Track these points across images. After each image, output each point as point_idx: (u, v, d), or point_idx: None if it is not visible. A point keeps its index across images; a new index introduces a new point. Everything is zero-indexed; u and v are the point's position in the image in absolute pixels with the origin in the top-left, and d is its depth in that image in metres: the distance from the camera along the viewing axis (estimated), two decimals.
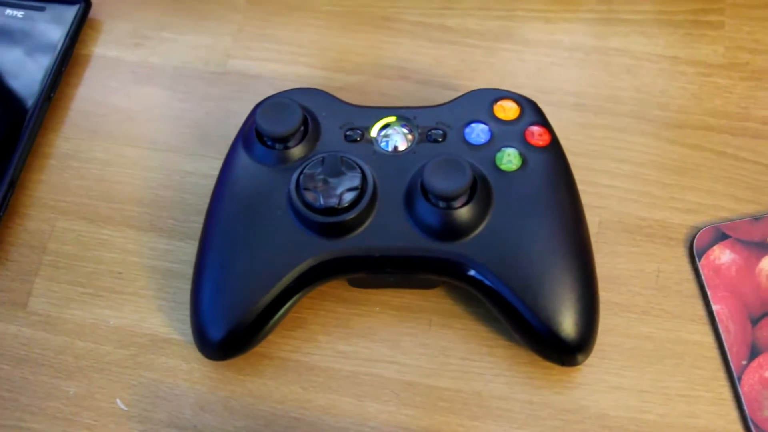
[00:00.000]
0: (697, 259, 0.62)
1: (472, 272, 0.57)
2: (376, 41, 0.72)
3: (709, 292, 0.61)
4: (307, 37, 0.72)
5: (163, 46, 0.72)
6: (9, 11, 0.72)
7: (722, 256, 0.62)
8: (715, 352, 0.60)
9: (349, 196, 0.57)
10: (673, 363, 0.60)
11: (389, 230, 0.58)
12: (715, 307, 0.61)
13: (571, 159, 0.61)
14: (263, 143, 0.60)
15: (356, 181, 0.57)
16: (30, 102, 0.68)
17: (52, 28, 0.71)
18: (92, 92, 0.71)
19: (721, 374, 0.60)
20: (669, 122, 0.67)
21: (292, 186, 0.58)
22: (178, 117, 0.69)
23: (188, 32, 0.73)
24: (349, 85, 0.69)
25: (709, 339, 0.61)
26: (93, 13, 0.73)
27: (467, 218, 0.57)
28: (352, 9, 0.73)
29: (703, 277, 0.61)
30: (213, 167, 0.66)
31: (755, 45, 0.70)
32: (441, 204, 0.56)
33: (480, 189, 0.57)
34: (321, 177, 0.57)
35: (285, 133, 0.59)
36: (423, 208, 0.57)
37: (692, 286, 0.62)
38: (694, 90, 0.68)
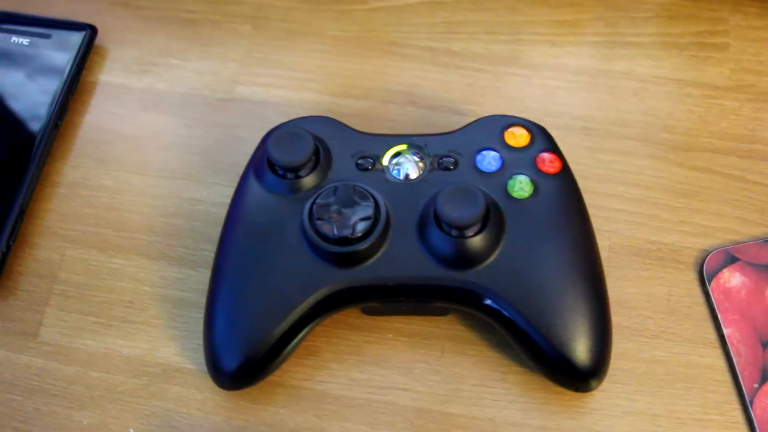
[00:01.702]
0: (707, 283, 0.62)
1: (485, 300, 0.57)
2: (383, 66, 0.72)
3: (719, 316, 0.61)
4: (314, 63, 0.72)
5: (170, 72, 0.72)
6: (15, 38, 0.72)
7: (732, 279, 0.62)
8: (726, 376, 0.60)
9: (362, 226, 0.57)
10: (685, 387, 0.60)
11: (402, 259, 0.58)
12: (726, 331, 0.61)
13: (580, 183, 0.61)
14: (275, 173, 0.60)
15: (369, 211, 0.57)
16: (38, 130, 0.68)
17: (59, 55, 0.71)
18: (99, 120, 0.71)
19: (733, 398, 0.60)
20: (676, 145, 0.67)
21: (305, 216, 0.58)
22: (186, 144, 0.69)
23: (194, 59, 0.73)
24: (357, 111, 0.70)
25: (721, 362, 0.61)
26: (99, 39, 0.73)
27: (480, 247, 0.57)
28: (357, 34, 0.73)
29: (713, 301, 0.62)
30: (223, 195, 0.66)
31: (761, 67, 0.70)
32: (454, 233, 0.56)
33: (493, 217, 0.57)
34: (334, 207, 0.57)
35: (297, 163, 0.59)
36: (436, 236, 0.57)
37: (703, 310, 0.62)
38: (700, 112, 0.68)
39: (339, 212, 0.57)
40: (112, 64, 0.73)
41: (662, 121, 0.68)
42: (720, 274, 0.62)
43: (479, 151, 0.61)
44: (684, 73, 0.70)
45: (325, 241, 0.57)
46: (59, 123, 0.69)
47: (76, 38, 0.72)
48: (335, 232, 0.57)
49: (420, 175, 0.60)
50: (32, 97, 0.69)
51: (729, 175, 0.66)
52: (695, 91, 0.69)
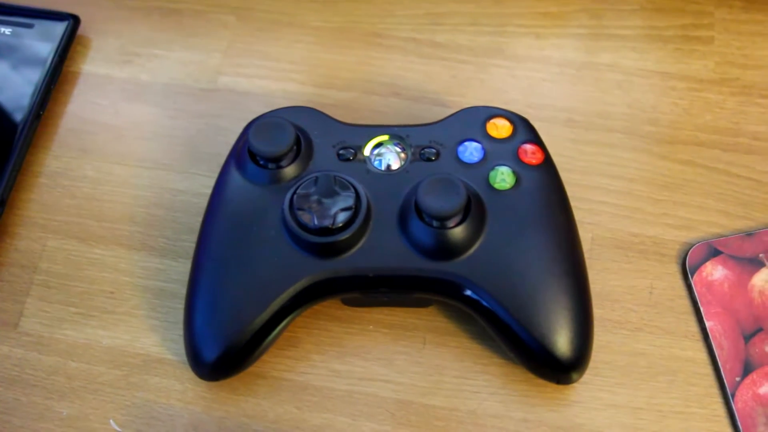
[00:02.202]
0: (689, 276, 0.62)
1: (466, 292, 0.57)
2: (367, 57, 0.72)
3: (702, 309, 0.61)
4: (297, 54, 0.72)
5: (153, 63, 0.72)
6: None
7: (715, 272, 0.62)
8: (708, 369, 0.60)
9: (342, 216, 0.57)
10: (667, 380, 0.60)
11: (383, 250, 0.58)
12: (708, 324, 0.61)
13: (563, 175, 0.61)
14: (256, 163, 0.59)
15: (350, 201, 0.57)
16: (19, 120, 0.68)
17: (41, 45, 0.71)
18: (82, 110, 0.71)
19: (715, 391, 0.60)
20: (660, 138, 0.67)
21: (286, 206, 0.58)
22: (168, 135, 0.69)
23: (178, 49, 0.73)
24: (340, 102, 0.69)
25: (703, 355, 0.61)
26: (82, 29, 0.73)
27: (461, 238, 0.57)
28: (341, 25, 0.73)
29: (696, 294, 0.62)
30: (204, 185, 0.66)
31: (745, 60, 0.70)
32: (435, 223, 0.56)
33: (474, 208, 0.57)
34: (314, 197, 0.57)
35: (278, 153, 0.59)
36: (417, 227, 0.57)
37: (685, 303, 0.62)
38: (684, 105, 0.68)
39: (319, 202, 0.57)
40: (95, 54, 0.73)
41: (646, 114, 0.68)
42: (703, 267, 0.62)
43: (461, 142, 0.60)
44: (669, 65, 0.70)
45: (305, 231, 0.57)
46: (41, 113, 0.69)
47: (59, 28, 0.72)
48: (315, 222, 0.56)
49: (401, 166, 0.60)
50: (14, 87, 0.69)
51: (713, 168, 0.66)
52: (680, 84, 0.69)
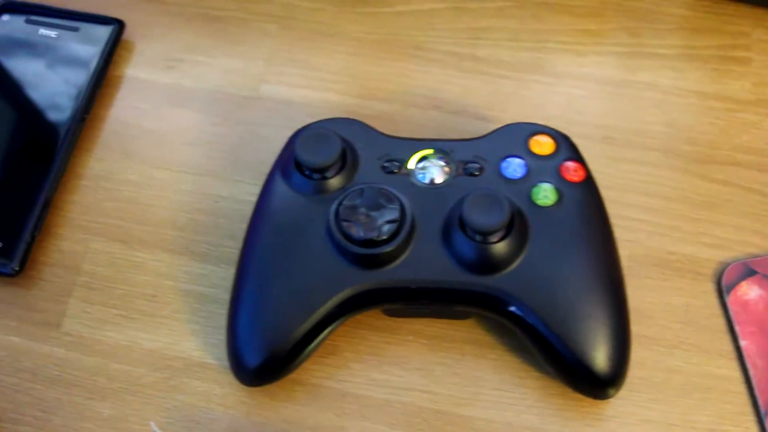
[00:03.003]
0: (725, 295, 0.63)
1: (507, 306, 0.58)
2: (407, 70, 0.72)
3: (737, 328, 0.62)
4: (338, 64, 0.73)
5: (196, 69, 0.73)
6: (43, 31, 0.73)
7: (750, 292, 0.63)
8: (742, 387, 0.61)
9: (388, 229, 0.58)
10: (701, 397, 0.61)
11: (426, 262, 0.58)
12: (742, 343, 0.61)
13: (601, 192, 0.62)
14: (301, 173, 0.60)
15: (395, 214, 0.58)
16: (63, 122, 0.69)
17: (86, 48, 0.72)
18: (125, 114, 0.71)
19: (748, 409, 0.60)
20: (697, 157, 0.68)
21: (332, 217, 0.58)
22: (210, 141, 0.70)
23: (221, 56, 0.73)
24: (380, 114, 0.70)
25: (737, 374, 0.61)
26: (126, 34, 0.74)
27: (504, 253, 0.57)
28: (382, 37, 0.74)
29: (731, 313, 0.62)
30: (247, 192, 0.66)
31: None
32: (478, 238, 0.57)
33: (517, 224, 0.58)
34: (361, 209, 0.58)
35: (324, 164, 0.59)
36: (460, 241, 0.57)
37: (720, 321, 0.63)
38: (722, 125, 0.69)
39: (365, 214, 0.58)
40: (139, 58, 0.74)
41: (684, 133, 0.69)
42: (738, 287, 0.63)
43: (504, 157, 0.61)
44: (706, 85, 0.71)
45: (350, 242, 0.57)
46: (85, 116, 0.70)
47: (104, 32, 0.72)
48: (361, 234, 0.57)
49: (445, 180, 0.61)
50: (59, 90, 0.70)
51: (749, 188, 0.67)
52: (717, 104, 0.70)
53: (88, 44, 0.72)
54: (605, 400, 0.60)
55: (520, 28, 0.74)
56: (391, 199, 0.58)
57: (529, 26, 0.74)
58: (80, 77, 0.70)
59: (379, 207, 0.58)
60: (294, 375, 0.61)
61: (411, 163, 0.61)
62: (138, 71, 0.73)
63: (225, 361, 0.61)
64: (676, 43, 0.73)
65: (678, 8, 0.74)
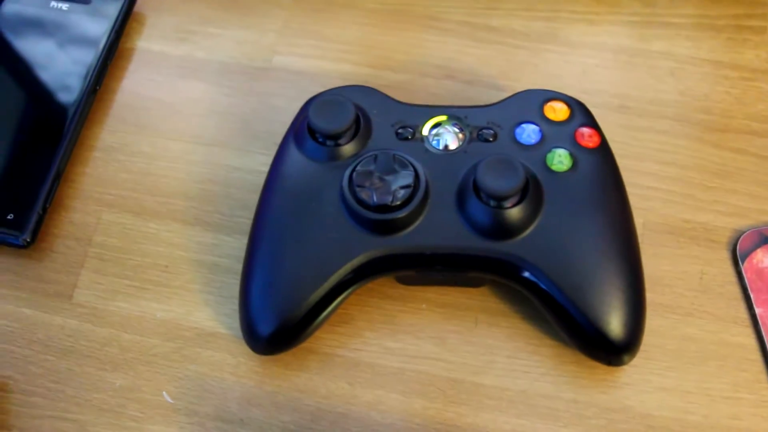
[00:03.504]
0: (740, 262, 0.62)
1: (522, 272, 0.58)
2: (421, 40, 0.72)
3: (752, 295, 0.61)
4: (352, 35, 0.73)
5: (208, 41, 0.73)
6: (54, 3, 0.72)
7: (765, 259, 0.62)
8: (757, 355, 0.61)
9: (402, 194, 0.57)
10: (717, 365, 0.60)
11: (440, 228, 0.58)
12: (758, 310, 0.61)
13: (616, 160, 0.61)
14: (315, 140, 0.60)
15: (409, 179, 0.58)
16: (75, 95, 0.68)
17: (97, 21, 0.72)
18: (137, 86, 0.71)
19: (764, 377, 0.60)
20: (712, 126, 0.68)
21: (345, 183, 0.58)
22: (223, 112, 0.69)
23: (233, 27, 0.73)
24: (395, 84, 0.70)
25: (752, 342, 0.61)
26: (138, 6, 0.74)
27: (518, 218, 0.57)
28: (396, 7, 0.73)
29: (746, 280, 0.62)
30: (259, 162, 0.66)
31: None
32: (493, 203, 0.57)
33: (532, 189, 0.57)
34: (374, 174, 0.58)
35: (338, 130, 0.59)
36: (475, 206, 0.57)
37: (735, 289, 0.62)
38: (737, 94, 0.69)
39: (380, 179, 0.57)
40: (151, 31, 0.74)
41: (699, 102, 0.68)
42: (753, 254, 0.62)
43: (519, 123, 0.61)
44: (721, 54, 0.70)
45: (364, 208, 0.57)
46: (97, 88, 0.70)
47: (115, 4, 0.72)
48: (375, 199, 0.57)
49: (459, 146, 0.60)
50: (70, 62, 0.70)
51: (764, 156, 0.66)
52: (732, 73, 0.70)
53: (100, 17, 0.72)
54: (620, 368, 0.60)
55: None
56: (404, 164, 0.58)
57: None
58: (92, 50, 0.70)
59: (392, 172, 0.58)
60: (307, 344, 0.61)
61: (425, 130, 0.61)
62: (150, 43, 0.73)
63: (237, 331, 0.61)
64: (691, 12, 0.72)
65: None
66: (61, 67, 0.70)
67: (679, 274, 0.63)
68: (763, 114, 0.68)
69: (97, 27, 0.71)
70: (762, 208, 0.65)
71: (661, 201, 0.65)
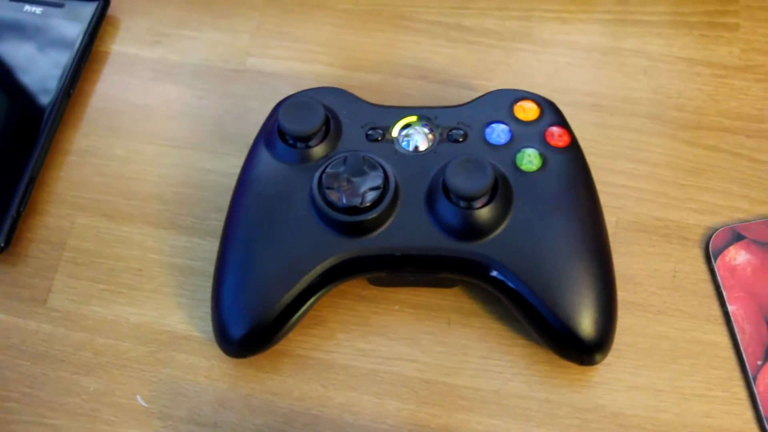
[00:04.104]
0: (713, 260, 0.62)
1: (492, 272, 0.58)
2: (394, 40, 0.72)
3: (724, 293, 0.61)
4: (325, 36, 0.72)
5: (182, 43, 0.73)
6: (28, 7, 0.72)
7: (738, 257, 0.62)
8: (730, 353, 0.61)
9: (371, 196, 0.57)
10: (689, 363, 0.60)
11: (410, 229, 0.58)
12: (730, 308, 0.61)
13: (588, 159, 0.62)
14: (285, 142, 0.60)
15: (378, 181, 0.58)
16: (49, 98, 0.68)
17: (71, 24, 0.71)
18: (111, 89, 0.71)
19: (737, 374, 0.60)
20: (685, 123, 0.68)
21: (315, 185, 0.58)
22: (196, 114, 0.69)
23: (207, 30, 0.73)
24: (368, 84, 0.70)
25: (725, 339, 0.61)
26: (111, 10, 0.73)
27: (488, 218, 0.57)
28: (369, 8, 0.73)
29: (718, 278, 0.62)
30: (232, 165, 0.66)
31: None
32: (462, 204, 0.57)
33: (501, 189, 0.57)
34: (343, 176, 0.58)
35: (307, 132, 0.59)
36: (444, 207, 0.57)
37: (708, 287, 0.62)
38: (709, 91, 0.69)
39: (348, 181, 0.57)
40: (125, 34, 0.73)
41: (671, 100, 0.68)
42: (726, 252, 0.62)
43: (488, 123, 0.61)
44: (694, 52, 0.70)
45: (334, 210, 0.57)
46: (71, 92, 0.69)
47: (89, 8, 0.72)
48: (344, 201, 0.57)
49: (429, 147, 0.60)
50: (44, 66, 0.70)
51: (737, 153, 0.66)
52: (705, 70, 0.70)
53: (74, 20, 0.72)
54: (592, 367, 0.60)
55: None
56: (374, 166, 0.58)
57: None
58: (65, 53, 0.70)
59: (362, 174, 0.58)
60: (280, 346, 0.61)
61: (395, 131, 0.61)
62: (124, 47, 0.73)
63: (211, 334, 0.61)
64: (664, 9, 0.72)
65: None
66: (34, 70, 0.69)
67: (652, 272, 0.63)
68: (735, 111, 0.68)
69: (71, 30, 0.71)
70: (734, 205, 0.65)
71: (633, 199, 0.65)
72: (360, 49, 0.72)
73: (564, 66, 0.70)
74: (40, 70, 0.69)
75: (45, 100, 0.68)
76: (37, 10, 0.72)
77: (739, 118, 0.67)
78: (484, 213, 0.57)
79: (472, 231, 0.57)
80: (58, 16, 0.72)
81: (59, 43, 0.70)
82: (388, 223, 0.58)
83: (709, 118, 0.67)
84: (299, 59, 0.71)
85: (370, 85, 0.70)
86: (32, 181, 0.66)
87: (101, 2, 0.72)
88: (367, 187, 0.57)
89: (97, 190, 0.67)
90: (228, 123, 0.69)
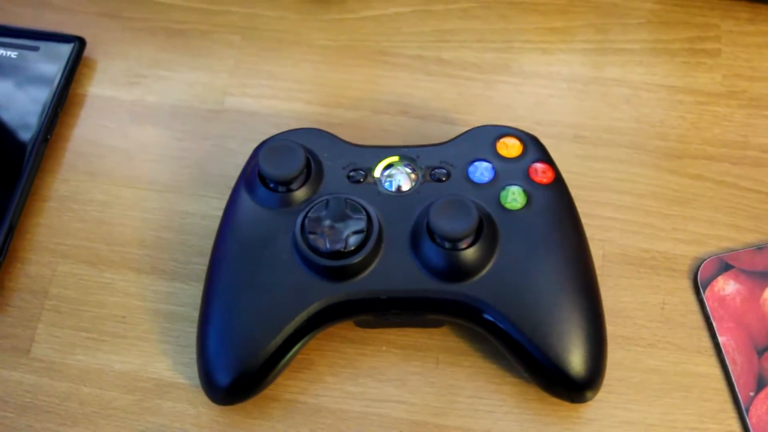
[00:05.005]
0: (701, 291, 0.62)
1: (479, 313, 0.57)
2: (373, 76, 0.71)
3: (714, 324, 0.61)
4: (304, 73, 0.72)
5: (159, 84, 0.72)
6: (2, 51, 0.72)
7: (726, 287, 0.62)
8: (722, 384, 0.60)
9: (354, 240, 0.57)
10: (681, 396, 0.60)
11: (395, 272, 0.58)
12: (721, 339, 0.61)
13: (572, 191, 0.61)
14: (266, 186, 0.59)
15: (361, 224, 0.57)
16: (27, 144, 0.68)
17: (47, 67, 0.71)
18: (89, 132, 0.70)
19: (729, 406, 0.60)
20: (669, 152, 0.67)
21: (297, 230, 0.58)
22: (176, 156, 0.69)
23: (184, 70, 0.72)
24: (348, 122, 0.69)
25: (716, 371, 0.61)
26: (87, 51, 0.73)
27: (474, 259, 0.57)
28: (347, 43, 0.73)
29: (708, 309, 0.61)
30: (213, 207, 0.66)
31: (752, 72, 0.70)
32: (447, 245, 0.56)
33: (486, 229, 0.57)
34: (326, 220, 0.57)
35: (288, 177, 0.59)
36: (429, 249, 0.57)
37: (698, 318, 0.62)
38: (692, 119, 0.68)
39: (331, 226, 0.57)
40: (101, 76, 0.73)
41: (654, 128, 0.68)
42: (714, 282, 0.62)
43: (471, 162, 0.60)
44: (676, 79, 0.70)
45: (317, 255, 0.57)
46: (48, 136, 0.69)
47: (65, 50, 0.71)
48: (327, 246, 0.56)
49: (412, 187, 0.60)
50: (21, 110, 0.69)
51: (722, 181, 0.66)
52: (687, 98, 0.69)
53: (50, 63, 0.71)
54: (584, 404, 0.59)
55: (485, 29, 0.73)
56: (357, 209, 0.58)
57: (494, 26, 0.73)
58: (42, 97, 0.70)
59: (344, 218, 0.57)
60: (268, 391, 0.60)
61: (377, 172, 0.60)
62: (101, 89, 0.73)
63: (197, 381, 0.60)
64: (645, 37, 0.72)
65: (645, 2, 0.73)
66: (11, 116, 0.69)
67: (640, 304, 0.62)
68: (719, 138, 0.68)
69: (47, 74, 0.70)
70: (721, 234, 0.64)
71: (619, 231, 0.65)
72: (339, 85, 0.71)
73: (545, 97, 0.70)
74: (17, 115, 0.69)
75: (23, 145, 0.67)
76: (12, 53, 0.71)
77: (723, 145, 0.67)
78: (469, 253, 0.56)
79: (457, 272, 0.57)
80: (33, 59, 0.71)
81: (36, 86, 0.70)
82: (372, 266, 0.57)
83: (693, 146, 0.67)
84: (278, 97, 0.71)
85: (351, 122, 0.69)
86: (12, 229, 0.65)
87: (76, 44, 0.72)
88: (351, 231, 0.57)
89: (78, 236, 0.66)
90: (208, 165, 0.68)
